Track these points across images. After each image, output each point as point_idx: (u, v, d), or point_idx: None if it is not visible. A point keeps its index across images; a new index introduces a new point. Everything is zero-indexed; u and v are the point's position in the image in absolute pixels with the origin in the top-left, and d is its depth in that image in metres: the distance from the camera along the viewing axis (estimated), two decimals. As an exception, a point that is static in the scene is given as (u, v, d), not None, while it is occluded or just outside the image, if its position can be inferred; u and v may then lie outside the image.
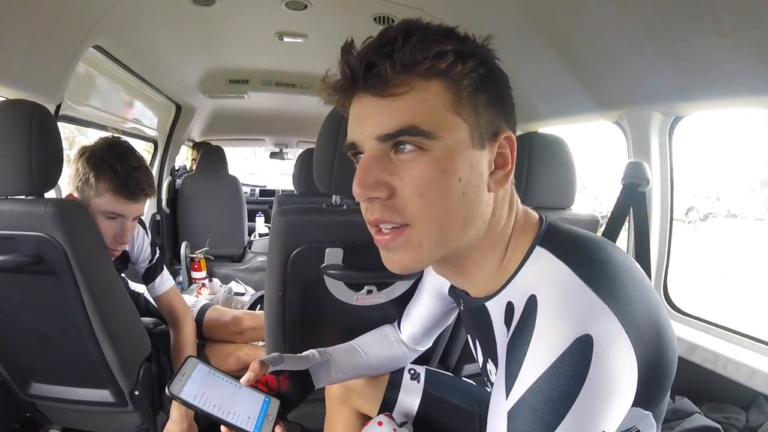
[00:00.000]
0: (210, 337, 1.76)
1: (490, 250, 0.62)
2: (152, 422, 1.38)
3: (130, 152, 1.29)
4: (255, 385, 0.83)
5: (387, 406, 1.09)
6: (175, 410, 1.34)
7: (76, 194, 1.24)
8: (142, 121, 2.75)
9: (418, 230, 0.56)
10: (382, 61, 0.52)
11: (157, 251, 1.56)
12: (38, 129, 1.06)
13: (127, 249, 1.48)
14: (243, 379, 0.81)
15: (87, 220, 1.15)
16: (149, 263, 1.54)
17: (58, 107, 1.59)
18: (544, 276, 0.56)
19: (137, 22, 1.67)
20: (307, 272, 1.11)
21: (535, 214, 0.66)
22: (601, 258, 0.56)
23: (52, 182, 1.13)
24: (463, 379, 1.20)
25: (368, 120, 0.56)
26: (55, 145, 1.12)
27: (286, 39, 2.00)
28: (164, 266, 1.56)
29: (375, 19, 1.70)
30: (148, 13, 1.63)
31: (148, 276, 1.54)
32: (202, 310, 1.80)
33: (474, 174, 0.56)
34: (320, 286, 1.14)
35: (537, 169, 1.23)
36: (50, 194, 1.17)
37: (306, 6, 1.65)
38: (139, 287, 1.76)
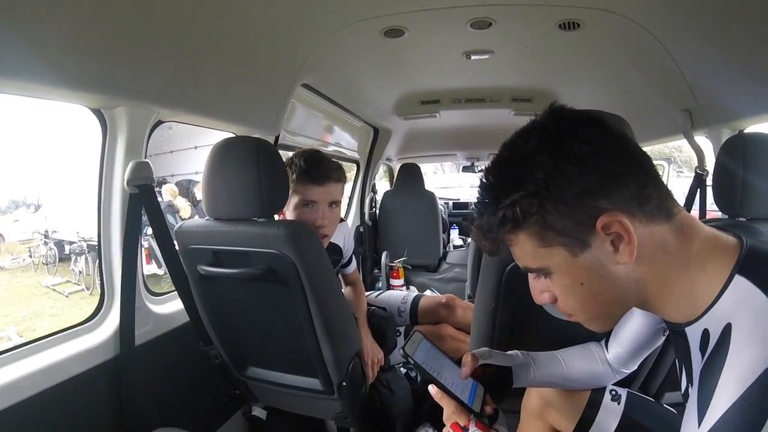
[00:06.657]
0: (422, 320, 2.04)
1: (664, 289, 0.62)
2: (352, 411, 1.49)
3: (313, 151, 1.50)
4: None
5: (583, 425, 1.07)
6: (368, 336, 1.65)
7: None
8: (344, 144, 3.12)
9: (582, 318, 0.69)
10: (479, 237, 0.67)
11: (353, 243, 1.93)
12: (265, 160, 1.21)
13: (340, 245, 1.78)
14: (461, 375, 0.88)
15: (314, 239, 1.25)
16: (350, 254, 1.89)
17: (277, 138, 1.91)
18: (741, 306, 0.54)
19: (337, 60, 1.89)
20: (522, 286, 1.10)
21: (730, 238, 0.61)
22: None
23: (280, 205, 1.28)
24: (665, 406, 1.13)
25: None
26: (279, 173, 1.26)
27: (473, 57, 2.01)
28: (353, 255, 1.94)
29: (560, 26, 1.60)
30: (345, 51, 1.82)
31: (347, 263, 1.88)
32: (416, 299, 2.10)
33: (592, 273, 0.61)
34: (532, 299, 1.11)
35: (754, 175, 1.07)
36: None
37: (491, 24, 1.62)
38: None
